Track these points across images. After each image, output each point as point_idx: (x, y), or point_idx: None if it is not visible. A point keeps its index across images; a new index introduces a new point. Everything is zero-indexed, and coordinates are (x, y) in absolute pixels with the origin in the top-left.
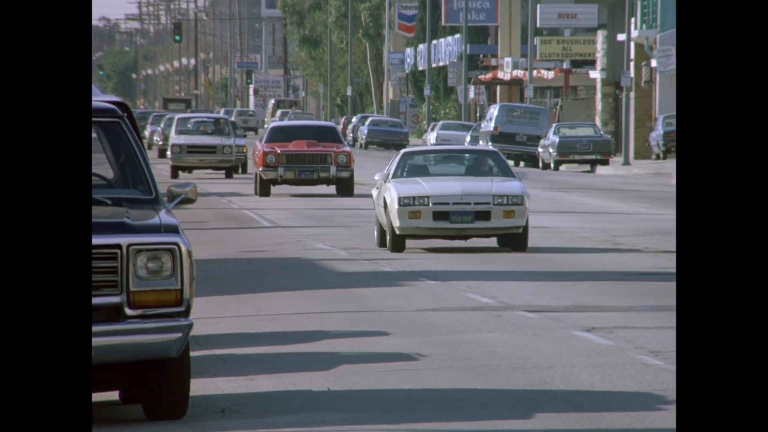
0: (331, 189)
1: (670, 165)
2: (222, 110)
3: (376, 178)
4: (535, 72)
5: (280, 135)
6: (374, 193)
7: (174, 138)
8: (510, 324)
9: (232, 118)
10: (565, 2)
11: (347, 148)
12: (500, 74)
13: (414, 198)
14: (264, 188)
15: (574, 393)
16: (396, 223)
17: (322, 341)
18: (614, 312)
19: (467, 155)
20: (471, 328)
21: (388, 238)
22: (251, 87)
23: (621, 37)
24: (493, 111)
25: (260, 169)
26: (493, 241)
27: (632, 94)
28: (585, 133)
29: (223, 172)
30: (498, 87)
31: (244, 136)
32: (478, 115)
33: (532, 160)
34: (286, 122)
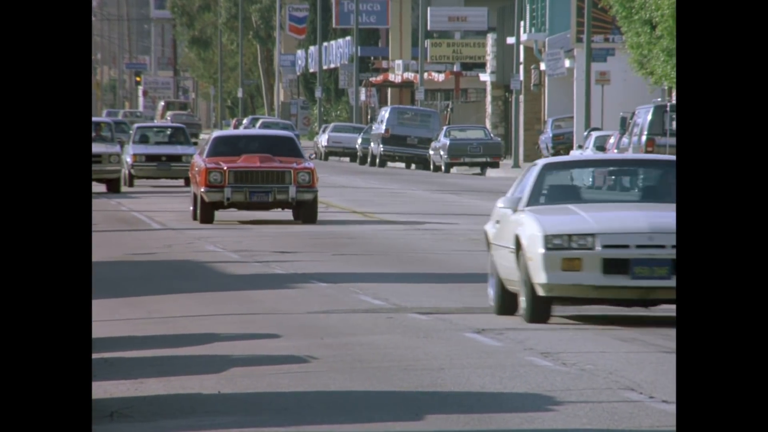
0: (288, 214)
1: None
2: (105, 112)
3: (499, 205)
4: (425, 74)
5: (225, 147)
6: (490, 229)
7: None
8: (401, 326)
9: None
10: (455, 5)
11: (309, 164)
12: (391, 76)
13: (570, 237)
14: (206, 213)
15: (464, 394)
16: (539, 278)
17: (213, 344)
18: (503, 315)
19: (644, 169)
20: (362, 330)
21: (522, 300)
22: (140, 88)
23: (510, 40)
24: (384, 113)
25: (202, 189)
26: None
27: (522, 97)
28: (475, 135)
29: (104, 185)
30: (389, 89)
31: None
32: (369, 117)
33: (423, 163)
34: (232, 131)
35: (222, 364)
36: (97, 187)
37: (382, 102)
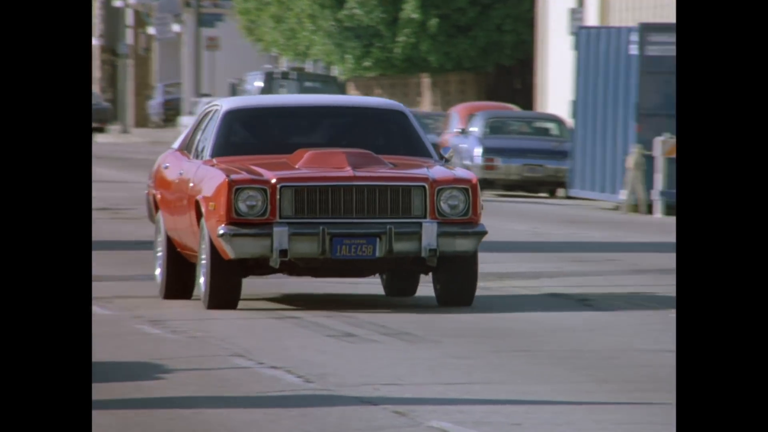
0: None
1: (169, 133)
2: None
3: None
4: None
5: (256, 134)
6: None
7: None
8: None
9: None
10: None
11: (463, 172)
12: None
13: None
14: (227, 285)
15: None
16: None
17: None
18: (112, 282)
19: None
20: None
21: None
22: None
23: (119, 3)
24: None
25: (221, 230)
26: None
27: (130, 62)
28: None
29: None
30: None
31: None
32: None
33: None
34: (266, 99)
35: None
36: None
37: None
